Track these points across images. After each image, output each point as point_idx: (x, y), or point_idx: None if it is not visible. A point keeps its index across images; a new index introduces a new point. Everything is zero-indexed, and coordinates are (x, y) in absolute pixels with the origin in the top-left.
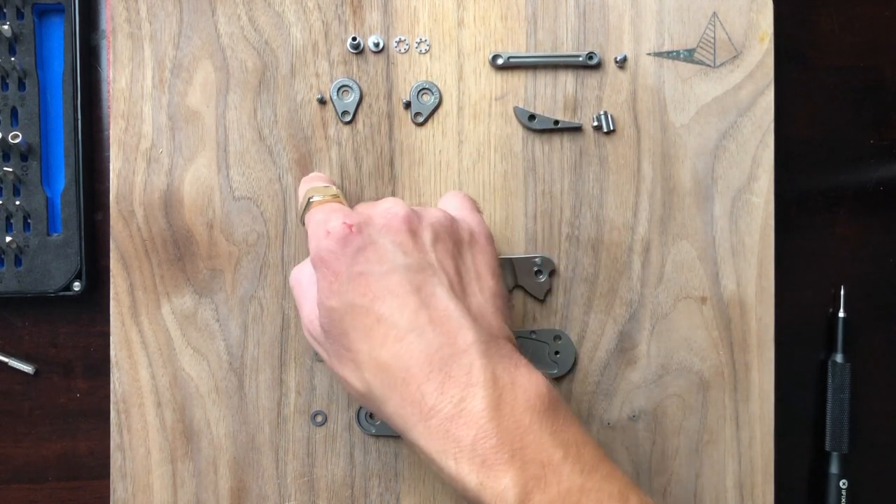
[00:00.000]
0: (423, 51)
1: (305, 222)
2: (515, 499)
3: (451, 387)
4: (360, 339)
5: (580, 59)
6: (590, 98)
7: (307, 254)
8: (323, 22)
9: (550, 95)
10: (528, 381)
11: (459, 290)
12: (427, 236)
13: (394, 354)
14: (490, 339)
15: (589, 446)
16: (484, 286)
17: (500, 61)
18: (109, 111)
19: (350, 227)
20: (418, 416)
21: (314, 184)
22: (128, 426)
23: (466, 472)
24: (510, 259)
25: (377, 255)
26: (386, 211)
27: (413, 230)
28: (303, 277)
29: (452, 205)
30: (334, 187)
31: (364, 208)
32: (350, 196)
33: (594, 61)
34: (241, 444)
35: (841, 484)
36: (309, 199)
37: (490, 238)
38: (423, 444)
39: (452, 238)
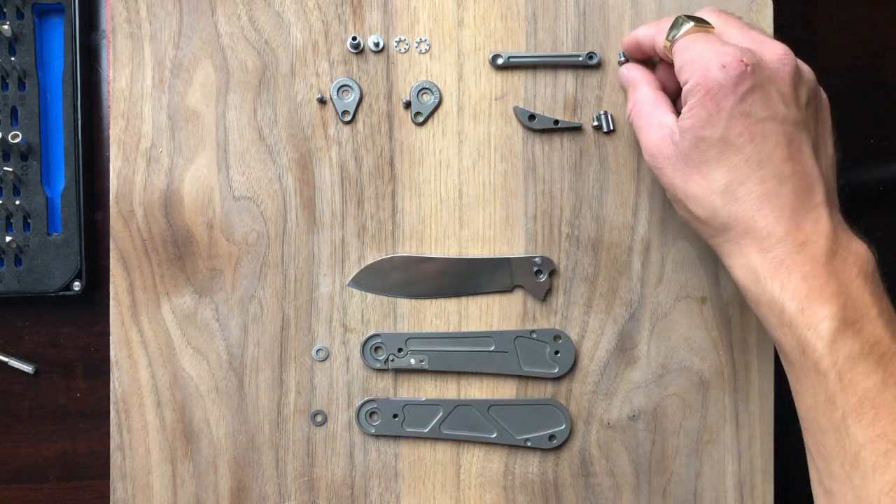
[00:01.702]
0: (423, 51)
1: (678, 48)
2: (829, 330)
3: (798, 231)
4: (722, 170)
5: (580, 58)
6: (590, 98)
7: (307, 253)
8: (323, 22)
9: (550, 95)
10: (860, 247)
11: (817, 151)
12: (804, 95)
13: (752, 192)
14: (833, 204)
15: None
16: (828, 153)
17: (500, 61)
18: (109, 111)
19: (746, 65)
20: (756, 247)
21: (650, 28)
22: (128, 426)
23: (789, 298)
24: (510, 259)
25: (763, 100)
26: (778, 59)
27: (796, 85)
28: (645, 104)
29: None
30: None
31: (755, 45)
32: (350, 196)
33: (594, 61)
34: (241, 443)
35: None
36: (682, 23)
37: (829, 105)
38: (754, 266)
39: (816, 102)
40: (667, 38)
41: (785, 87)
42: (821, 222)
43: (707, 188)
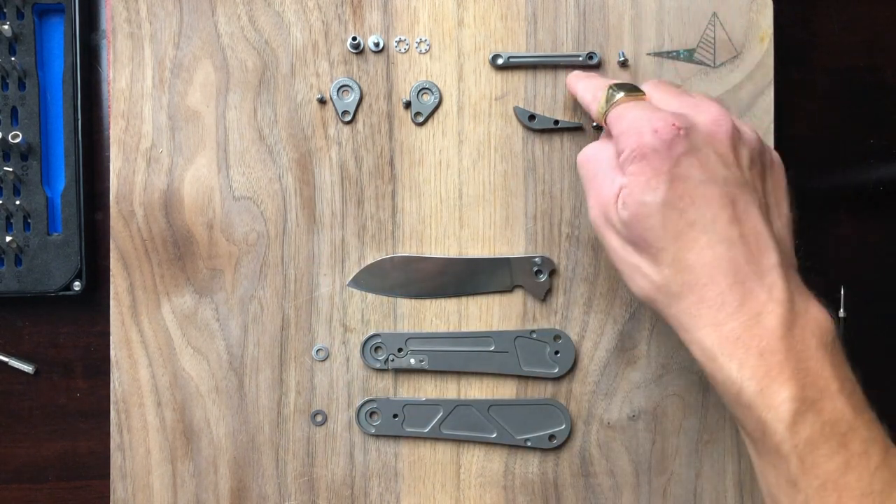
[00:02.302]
0: (423, 51)
1: (612, 118)
2: (789, 413)
3: (752, 301)
4: (667, 238)
5: (580, 58)
6: None
7: (307, 253)
8: (323, 22)
9: (550, 95)
10: (819, 314)
11: (766, 212)
12: (745, 155)
13: (701, 259)
14: (789, 266)
15: (858, 389)
16: (782, 213)
17: (500, 61)
18: (109, 111)
19: (679, 129)
20: (711, 320)
21: (600, 81)
22: (128, 426)
23: (747, 378)
24: (510, 259)
25: (700, 163)
26: (713, 121)
27: (735, 146)
28: (593, 162)
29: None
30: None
31: (687, 111)
32: (350, 196)
33: (594, 61)
34: (241, 443)
35: None
36: (612, 93)
37: (782, 164)
38: (709, 344)
39: (761, 160)
40: (600, 109)
41: (723, 148)
42: (776, 288)
43: (656, 258)
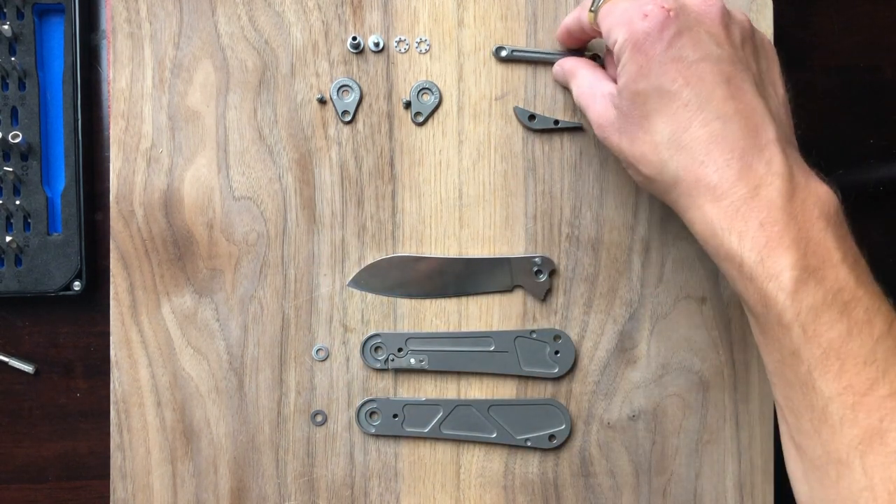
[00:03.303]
0: (423, 51)
1: (602, 15)
2: (791, 280)
3: (750, 174)
4: (663, 121)
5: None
6: None
7: (307, 253)
8: (323, 22)
9: (550, 95)
10: (821, 188)
11: (762, 89)
12: (737, 34)
13: (697, 137)
14: (788, 142)
15: (863, 262)
16: (778, 92)
17: (503, 53)
18: (109, 111)
19: (668, 11)
20: (710, 196)
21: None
22: (128, 426)
23: (748, 249)
24: (510, 259)
25: (692, 42)
26: (702, 1)
27: (726, 24)
28: (587, 83)
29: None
30: None
31: None
32: (350, 196)
33: (598, 62)
34: (241, 443)
35: None
36: None
37: (774, 48)
38: (709, 219)
39: (753, 41)
40: (590, 11)
41: (714, 27)
42: (774, 162)
43: (652, 142)
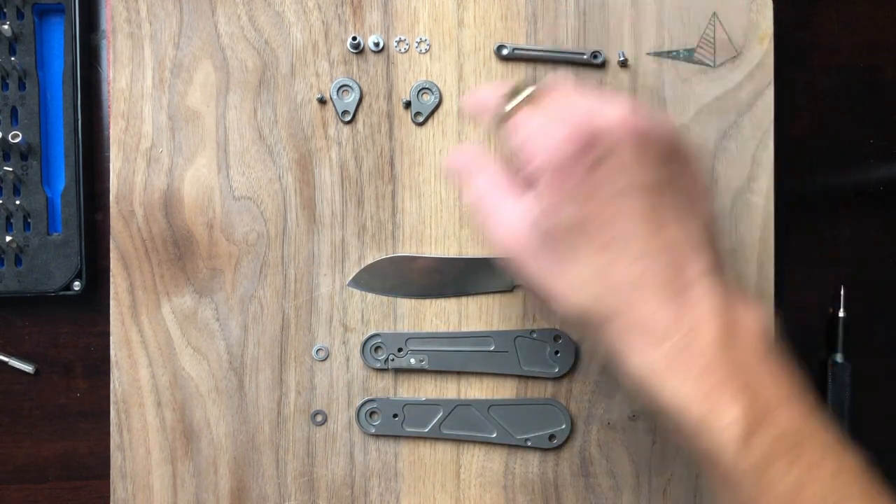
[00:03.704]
0: (423, 50)
1: (511, 127)
2: (740, 434)
3: (683, 317)
4: (585, 258)
5: (584, 56)
6: None
7: (307, 253)
8: (323, 22)
9: None
10: (755, 317)
11: (686, 215)
12: (657, 154)
13: (624, 279)
14: (717, 270)
15: (806, 392)
16: (702, 210)
17: (504, 52)
18: (109, 111)
19: (587, 135)
20: (643, 342)
21: (490, 90)
22: (128, 426)
23: (690, 402)
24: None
25: (613, 171)
26: (618, 124)
27: (644, 147)
28: (490, 191)
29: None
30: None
31: (590, 114)
32: (350, 196)
33: (598, 60)
34: (241, 443)
35: None
36: (510, 99)
37: (698, 158)
38: (644, 369)
39: (675, 156)
40: (496, 117)
41: (632, 151)
42: (708, 298)
43: (575, 280)
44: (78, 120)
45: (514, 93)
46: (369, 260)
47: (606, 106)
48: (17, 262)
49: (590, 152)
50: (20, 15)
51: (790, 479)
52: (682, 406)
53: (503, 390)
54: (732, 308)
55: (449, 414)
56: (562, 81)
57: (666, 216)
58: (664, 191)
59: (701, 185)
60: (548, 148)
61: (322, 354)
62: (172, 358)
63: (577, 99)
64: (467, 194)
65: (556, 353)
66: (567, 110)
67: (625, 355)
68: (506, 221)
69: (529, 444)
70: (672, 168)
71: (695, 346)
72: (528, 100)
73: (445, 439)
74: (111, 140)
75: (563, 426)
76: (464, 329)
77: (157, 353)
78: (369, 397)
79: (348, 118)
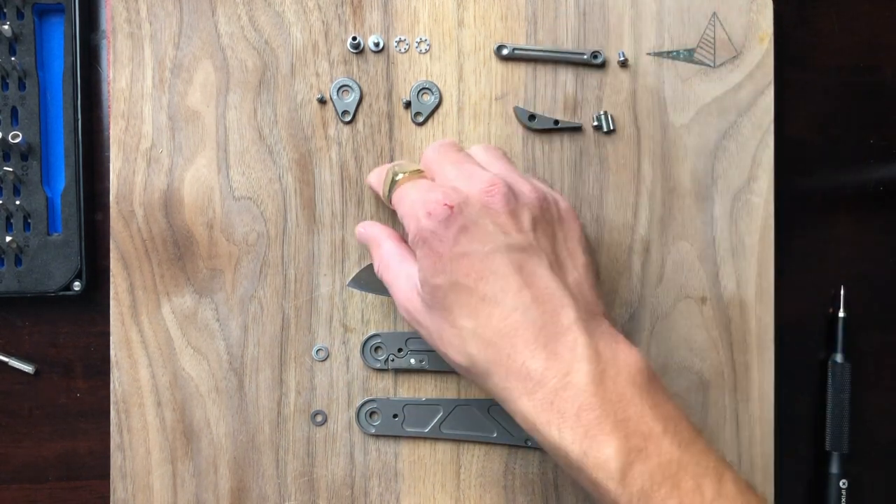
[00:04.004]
0: (424, 51)
1: (395, 201)
2: (617, 468)
3: (556, 363)
4: (464, 315)
5: (584, 56)
6: (590, 98)
7: (307, 253)
8: (323, 22)
9: (550, 95)
10: (628, 356)
11: (557, 267)
12: (526, 217)
13: (499, 332)
14: (589, 316)
15: (685, 421)
16: (577, 263)
17: (504, 52)
18: (109, 111)
19: (451, 207)
20: (522, 390)
21: (386, 168)
22: (128, 426)
23: (570, 442)
24: None
25: (479, 236)
26: (485, 191)
27: (512, 211)
28: (391, 259)
29: (502, 167)
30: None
31: (461, 182)
32: (350, 196)
33: (599, 60)
34: (241, 443)
35: (841, 484)
36: (394, 176)
37: (574, 212)
38: (527, 414)
39: (546, 217)
40: (384, 194)
41: (499, 216)
42: (579, 343)
43: (458, 336)
44: (78, 120)
45: (398, 170)
46: (369, 260)
47: (477, 175)
48: (17, 262)
49: (455, 222)
50: (20, 15)
51: None
52: (563, 446)
53: None
54: (607, 349)
55: (449, 414)
56: (444, 148)
57: (537, 272)
58: (533, 251)
59: (575, 239)
60: (419, 218)
61: (322, 354)
62: (172, 358)
63: (455, 165)
64: (374, 263)
65: None
66: (436, 186)
67: (509, 403)
68: (403, 285)
69: (530, 444)
70: (543, 229)
71: (569, 389)
72: (410, 176)
73: (445, 439)
74: (111, 140)
75: None
76: None
77: (157, 353)
78: (369, 397)
79: (348, 118)
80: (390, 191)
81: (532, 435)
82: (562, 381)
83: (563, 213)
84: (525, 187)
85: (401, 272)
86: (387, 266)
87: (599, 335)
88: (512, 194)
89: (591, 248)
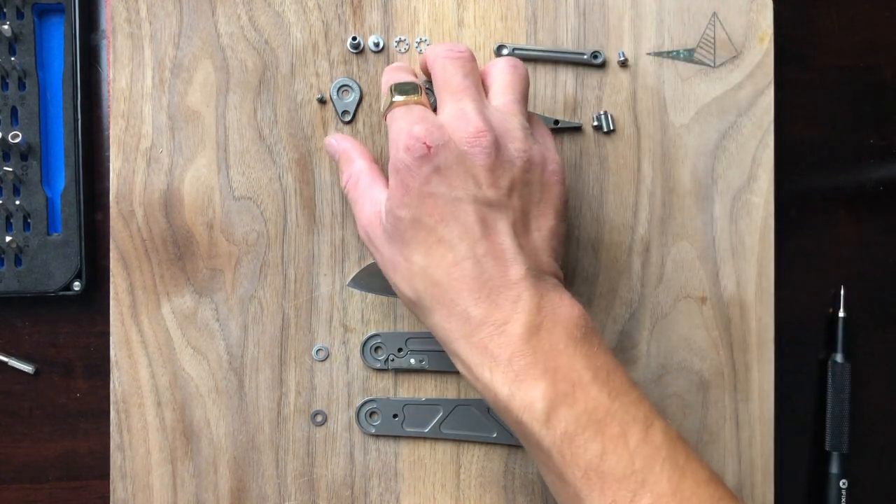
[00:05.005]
0: (424, 51)
1: (388, 121)
2: (542, 410)
3: (497, 312)
4: (419, 253)
5: (585, 56)
6: (590, 98)
7: (307, 253)
8: (323, 22)
9: (550, 95)
10: (569, 311)
11: (521, 227)
12: (503, 176)
13: (448, 275)
14: (539, 275)
15: (618, 373)
16: (544, 225)
17: (504, 52)
18: (109, 111)
19: (429, 147)
20: (461, 332)
21: (398, 76)
22: (128, 426)
23: (500, 384)
24: None
25: (450, 180)
26: (470, 139)
27: (490, 166)
28: (360, 178)
29: (513, 101)
30: (417, 82)
31: (453, 122)
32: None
33: (599, 60)
34: (241, 443)
35: (841, 484)
36: (392, 97)
37: (560, 175)
38: (461, 354)
39: (525, 178)
40: (382, 109)
41: (476, 168)
42: (522, 298)
43: (409, 269)
44: (78, 120)
45: (396, 89)
46: (369, 260)
47: (468, 118)
48: (17, 262)
49: (429, 162)
50: (20, 15)
51: (592, 452)
52: (494, 387)
53: None
54: (548, 305)
55: (449, 414)
56: (451, 78)
57: (497, 227)
58: (500, 208)
59: (551, 208)
60: (397, 150)
61: (322, 354)
62: (172, 358)
63: (454, 98)
64: (343, 177)
65: None
66: (425, 119)
67: (447, 343)
68: (367, 208)
69: None
70: (520, 192)
71: (504, 336)
72: (406, 101)
73: (445, 439)
74: (111, 140)
75: None
76: None
77: (156, 353)
78: (369, 397)
79: (348, 118)
80: (384, 110)
81: (465, 375)
82: (498, 329)
83: (546, 177)
84: (514, 145)
85: (367, 194)
86: (355, 184)
87: (544, 291)
88: (495, 150)
89: (566, 216)
